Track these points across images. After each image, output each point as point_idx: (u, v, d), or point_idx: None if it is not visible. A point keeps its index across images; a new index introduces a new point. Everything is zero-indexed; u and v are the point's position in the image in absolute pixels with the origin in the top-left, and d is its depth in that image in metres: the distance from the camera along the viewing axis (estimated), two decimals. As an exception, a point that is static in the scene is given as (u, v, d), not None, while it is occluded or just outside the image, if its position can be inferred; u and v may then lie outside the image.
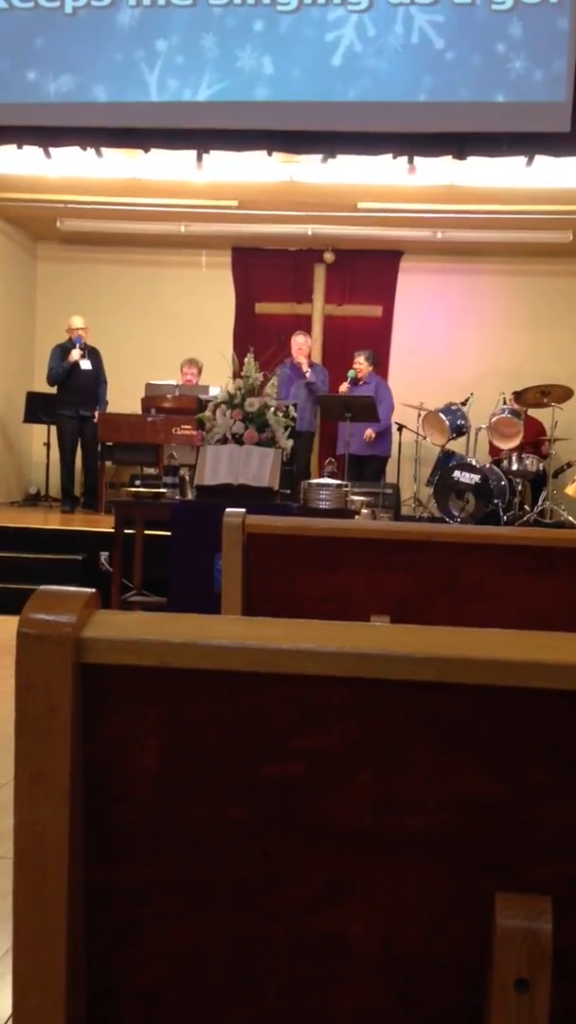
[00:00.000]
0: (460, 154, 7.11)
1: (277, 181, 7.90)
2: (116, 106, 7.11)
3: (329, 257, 9.62)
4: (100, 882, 0.76)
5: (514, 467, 7.81)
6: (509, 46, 6.80)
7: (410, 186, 7.87)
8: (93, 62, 7.10)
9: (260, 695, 0.72)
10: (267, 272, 9.76)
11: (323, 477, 5.91)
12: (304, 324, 9.56)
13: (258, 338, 8.21)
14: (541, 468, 7.93)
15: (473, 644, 0.72)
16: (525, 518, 7.69)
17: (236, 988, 0.77)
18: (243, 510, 1.82)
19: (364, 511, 5.98)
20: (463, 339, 9.54)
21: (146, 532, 6.05)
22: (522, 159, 7.25)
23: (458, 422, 7.89)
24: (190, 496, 5.49)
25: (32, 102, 7.14)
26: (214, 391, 6.95)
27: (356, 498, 5.70)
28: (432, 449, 8.27)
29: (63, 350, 8.63)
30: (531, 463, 7.85)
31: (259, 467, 4.88)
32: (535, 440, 8.23)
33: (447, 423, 7.86)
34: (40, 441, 9.37)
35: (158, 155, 7.47)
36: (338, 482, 5.46)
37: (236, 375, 5.11)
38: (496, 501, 7.47)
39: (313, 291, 9.81)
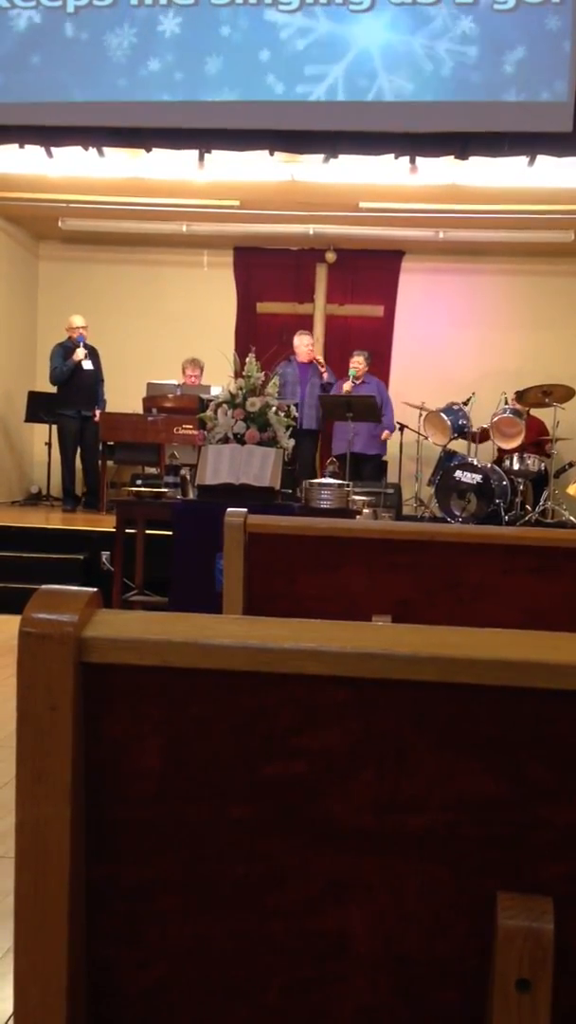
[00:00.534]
0: (462, 154, 7.11)
1: (279, 181, 7.89)
2: (118, 105, 7.11)
3: (331, 257, 9.62)
4: (101, 881, 0.76)
5: (515, 467, 7.81)
6: (511, 46, 6.80)
7: (412, 186, 7.87)
8: (94, 61, 7.10)
9: (262, 695, 0.72)
10: (269, 272, 9.75)
11: (324, 477, 5.91)
12: (306, 324, 9.55)
13: (259, 338, 8.21)
14: (543, 468, 7.93)
15: (474, 644, 0.72)
16: (526, 518, 7.69)
17: (237, 987, 0.77)
18: (244, 510, 1.82)
19: (365, 511, 5.98)
20: (465, 339, 9.53)
21: (147, 532, 6.05)
22: (524, 159, 7.24)
23: (459, 422, 7.89)
24: (191, 496, 5.49)
25: (33, 101, 7.14)
26: (215, 391, 6.96)
27: (357, 498, 5.70)
28: (433, 449, 8.27)
29: (65, 350, 8.62)
30: (532, 463, 7.86)
31: (260, 467, 4.89)
32: (537, 440, 8.23)
33: (448, 423, 7.86)
34: (41, 440, 9.37)
35: (160, 154, 7.46)
36: (339, 482, 5.46)
37: (237, 375, 5.11)
38: (497, 501, 7.47)
39: (315, 291, 9.80)
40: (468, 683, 0.71)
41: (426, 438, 8.25)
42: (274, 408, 4.99)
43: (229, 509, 1.81)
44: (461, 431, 7.91)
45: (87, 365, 8.57)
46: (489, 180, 7.68)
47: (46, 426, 9.09)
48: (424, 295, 9.64)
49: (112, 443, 8.36)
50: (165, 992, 0.77)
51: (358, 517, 5.42)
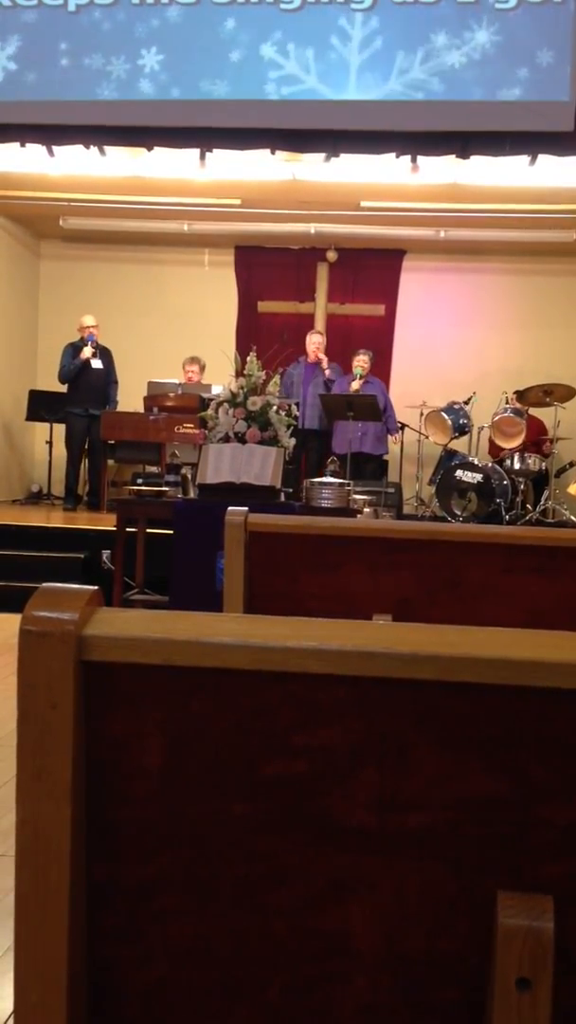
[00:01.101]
0: (463, 153, 7.10)
1: (280, 180, 7.89)
2: (119, 104, 7.11)
3: (332, 256, 9.61)
4: (102, 880, 0.76)
5: (516, 466, 7.81)
6: (512, 45, 6.80)
7: (413, 185, 7.87)
8: (95, 61, 7.10)
9: (262, 693, 0.72)
10: (270, 271, 9.75)
11: (325, 476, 5.91)
12: (307, 323, 9.55)
13: (261, 337, 8.21)
14: (543, 467, 7.93)
15: (475, 643, 0.72)
16: (527, 517, 7.69)
17: (238, 986, 0.77)
18: (245, 509, 1.82)
19: (366, 510, 5.97)
20: (465, 338, 9.53)
21: (148, 531, 6.05)
22: (525, 158, 7.24)
23: (460, 421, 7.89)
24: (192, 495, 5.49)
25: (34, 100, 7.13)
26: (216, 389, 6.95)
27: (358, 497, 5.70)
28: (434, 448, 8.27)
29: (75, 348, 8.63)
30: (533, 462, 7.85)
31: (261, 466, 4.88)
32: (537, 439, 8.23)
33: (449, 422, 7.86)
34: (43, 439, 9.37)
35: (161, 153, 7.46)
36: (340, 481, 5.46)
37: (238, 374, 5.11)
38: (498, 500, 7.47)
39: (316, 290, 9.80)
40: (469, 682, 0.71)
41: (427, 437, 8.25)
42: (275, 407, 4.99)
43: (230, 508, 1.81)
44: (462, 430, 7.91)
45: (96, 364, 8.56)
46: (490, 179, 7.68)
47: (47, 425, 9.09)
48: (425, 294, 9.63)
49: (113, 442, 8.36)
50: (166, 991, 0.77)
51: (359, 516, 5.42)
